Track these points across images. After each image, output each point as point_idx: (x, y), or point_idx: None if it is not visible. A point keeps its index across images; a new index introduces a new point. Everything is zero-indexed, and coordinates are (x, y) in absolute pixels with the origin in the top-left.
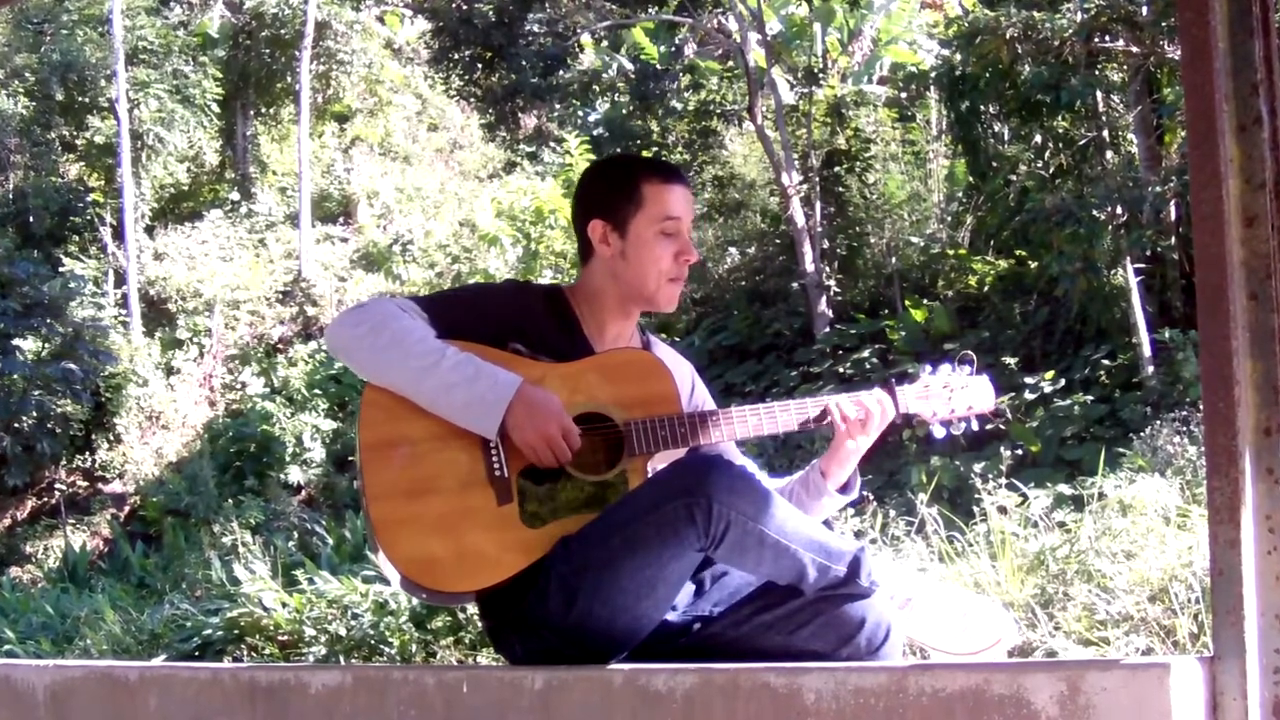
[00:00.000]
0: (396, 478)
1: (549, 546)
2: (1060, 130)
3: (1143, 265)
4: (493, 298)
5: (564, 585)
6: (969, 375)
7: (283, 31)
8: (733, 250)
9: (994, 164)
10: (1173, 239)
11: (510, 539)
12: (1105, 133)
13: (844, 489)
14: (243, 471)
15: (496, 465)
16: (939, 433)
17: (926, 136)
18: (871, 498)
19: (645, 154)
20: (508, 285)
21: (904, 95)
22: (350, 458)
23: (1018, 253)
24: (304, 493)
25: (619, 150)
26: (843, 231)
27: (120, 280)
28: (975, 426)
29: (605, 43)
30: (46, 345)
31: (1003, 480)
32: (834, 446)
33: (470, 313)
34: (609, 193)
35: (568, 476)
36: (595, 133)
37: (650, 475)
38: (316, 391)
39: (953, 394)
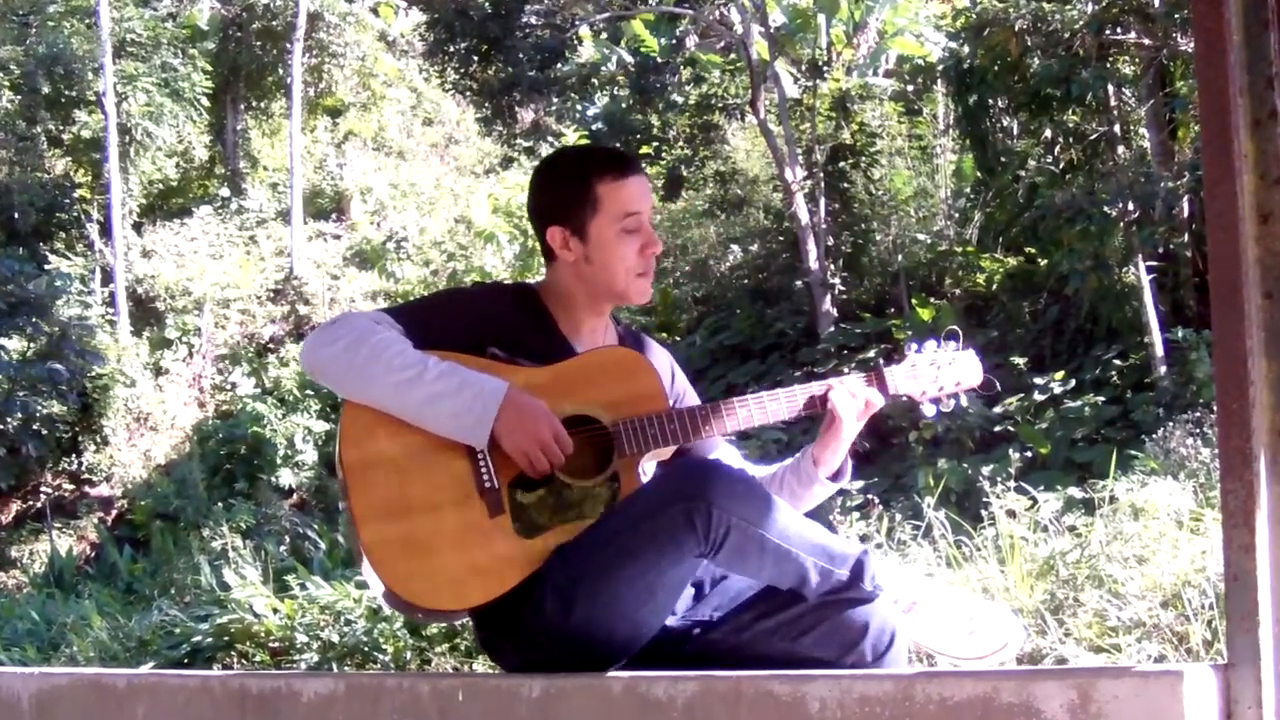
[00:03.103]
0: (384, 497)
1: (545, 557)
2: (1070, 124)
3: (1155, 263)
4: (466, 302)
5: (561, 594)
6: (955, 351)
7: (274, 23)
8: (735, 248)
9: (1002, 159)
10: (1186, 236)
11: (505, 552)
12: (1116, 127)
13: (835, 476)
14: (233, 474)
15: (486, 477)
16: (929, 410)
17: (933, 131)
18: (877, 501)
19: (645, 149)
20: (480, 288)
21: (910, 89)
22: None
23: (1027, 250)
24: (295, 496)
25: (618, 144)
26: (848, 228)
27: (107, 278)
28: (964, 402)
29: (604, 35)
30: (32, 345)
31: (1011, 483)
32: (827, 434)
33: (445, 320)
34: (563, 197)
35: (559, 483)
36: (594, 127)
37: (642, 476)
38: (309, 392)
39: (940, 370)
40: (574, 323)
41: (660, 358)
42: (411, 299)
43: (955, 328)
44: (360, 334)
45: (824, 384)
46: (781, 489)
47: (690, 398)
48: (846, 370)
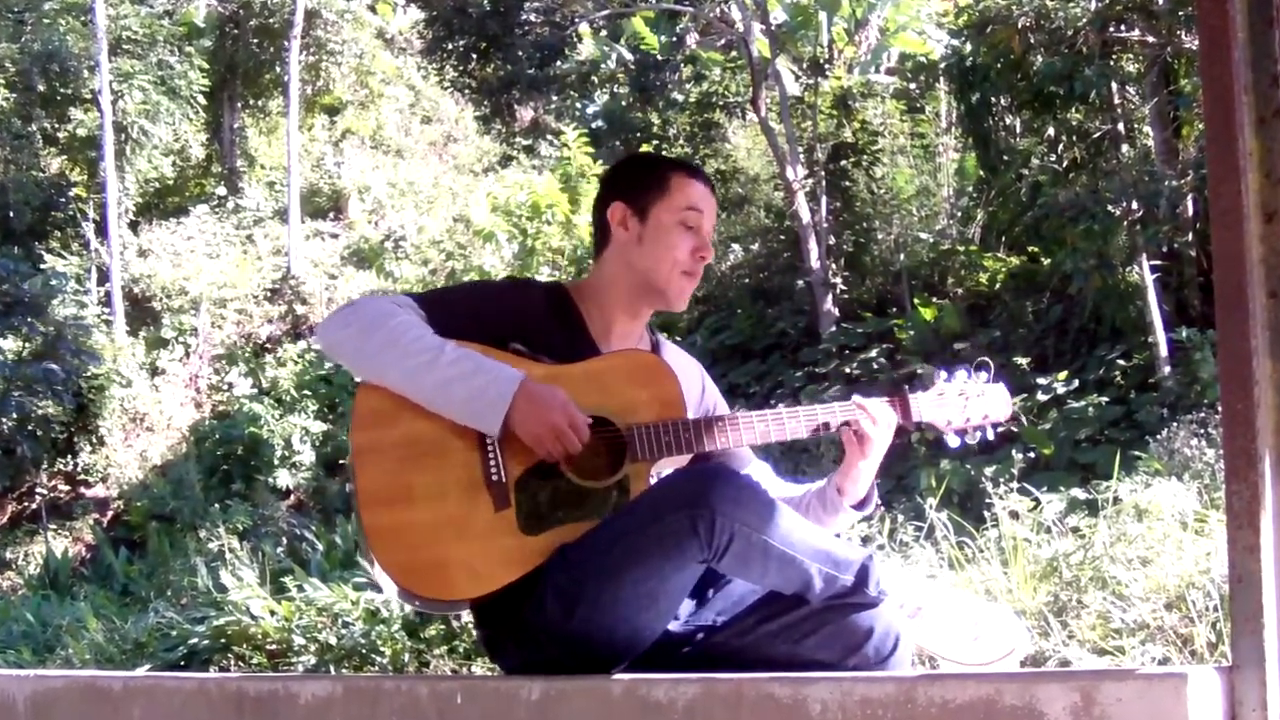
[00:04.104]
0: (390, 482)
1: (547, 554)
2: (1074, 123)
3: (1159, 262)
4: (492, 296)
5: (562, 595)
6: (985, 383)
7: (271, 20)
8: (736, 247)
9: (1005, 158)
10: (1190, 235)
11: (507, 546)
12: (1120, 125)
13: (861, 504)
14: (230, 475)
15: (494, 469)
16: (953, 441)
17: (936, 129)
18: (880, 503)
19: (646, 147)
20: (507, 283)
21: (912, 86)
22: (342, 460)
23: (1030, 249)
24: (293, 497)
25: (618, 143)
26: (849, 227)
27: (103, 278)
28: (990, 436)
29: (604, 32)
30: (27, 345)
31: (1014, 484)
32: (849, 461)
33: (469, 312)
34: (635, 178)
35: (567, 482)
36: (594, 125)
37: (652, 482)
38: (306, 392)
39: (968, 402)
40: (605, 324)
41: (689, 368)
42: (437, 288)
43: (987, 359)
44: (379, 316)
45: (846, 406)
46: (807, 513)
47: (722, 411)
48: (848, 370)
